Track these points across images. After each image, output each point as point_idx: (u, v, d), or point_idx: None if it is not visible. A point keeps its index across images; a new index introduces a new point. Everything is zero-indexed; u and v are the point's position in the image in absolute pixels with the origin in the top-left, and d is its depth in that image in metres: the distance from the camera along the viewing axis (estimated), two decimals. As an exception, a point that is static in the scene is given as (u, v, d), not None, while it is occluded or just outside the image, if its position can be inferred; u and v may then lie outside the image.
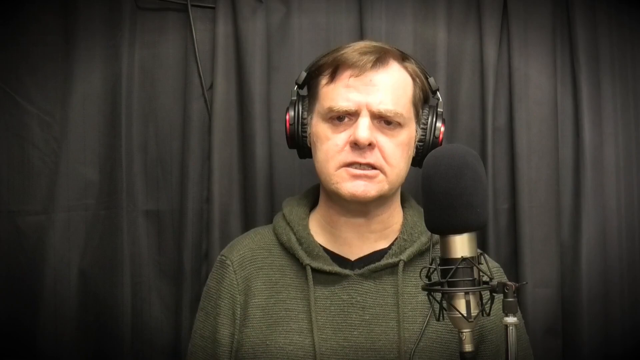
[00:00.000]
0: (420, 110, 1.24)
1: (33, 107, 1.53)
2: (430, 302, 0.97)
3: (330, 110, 1.18)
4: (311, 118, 1.24)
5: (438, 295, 0.97)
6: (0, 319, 1.50)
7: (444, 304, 0.96)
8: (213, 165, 1.54)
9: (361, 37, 1.55)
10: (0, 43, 1.52)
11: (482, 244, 1.53)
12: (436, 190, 0.95)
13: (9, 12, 1.52)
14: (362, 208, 1.21)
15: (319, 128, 1.20)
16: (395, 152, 1.18)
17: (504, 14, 1.57)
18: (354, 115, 1.17)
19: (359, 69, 1.16)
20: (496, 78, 1.57)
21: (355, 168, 1.16)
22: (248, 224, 1.55)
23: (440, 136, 1.25)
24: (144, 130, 1.57)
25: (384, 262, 1.21)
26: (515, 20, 1.56)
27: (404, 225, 1.26)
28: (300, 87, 1.28)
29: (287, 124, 1.25)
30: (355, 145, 1.15)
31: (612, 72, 1.59)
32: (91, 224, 1.55)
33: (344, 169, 1.17)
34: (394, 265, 1.21)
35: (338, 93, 1.17)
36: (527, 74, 1.56)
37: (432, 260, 0.97)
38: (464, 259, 0.93)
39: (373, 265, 1.21)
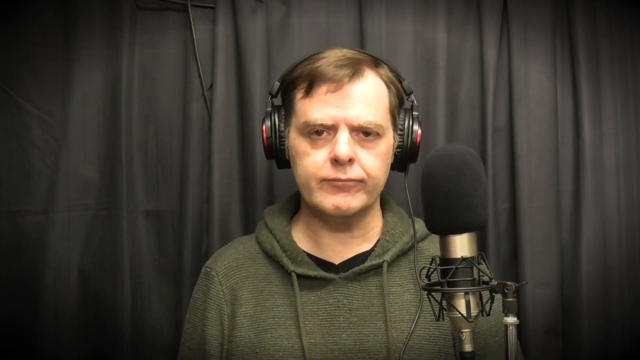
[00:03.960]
0: (397, 117, 1.24)
1: (33, 107, 1.53)
2: (430, 302, 0.97)
3: (307, 124, 1.17)
4: (288, 131, 1.23)
5: (438, 296, 0.97)
6: (0, 319, 1.50)
7: (444, 304, 0.96)
8: (213, 165, 1.54)
9: (361, 37, 1.56)
10: (0, 43, 1.52)
11: (482, 244, 1.53)
12: (436, 191, 0.95)
13: (9, 12, 1.52)
14: (343, 219, 1.22)
15: (297, 143, 1.20)
16: (374, 164, 1.18)
17: (504, 14, 1.57)
18: (331, 129, 1.16)
19: (336, 84, 1.15)
20: (496, 78, 1.57)
21: (336, 181, 1.16)
22: (248, 224, 1.55)
23: (418, 139, 1.24)
24: (144, 130, 1.57)
25: (368, 263, 1.22)
26: (515, 20, 1.56)
27: (384, 226, 1.26)
28: (274, 96, 1.28)
29: (264, 136, 1.25)
30: (336, 162, 1.15)
31: (612, 72, 1.59)
32: (91, 224, 1.55)
33: (325, 182, 1.17)
34: (378, 267, 1.22)
35: (314, 107, 1.17)
36: (527, 74, 1.56)
37: (432, 260, 0.97)
38: (463, 259, 0.94)
39: (357, 268, 1.21)
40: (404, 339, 1.17)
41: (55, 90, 1.54)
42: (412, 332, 1.17)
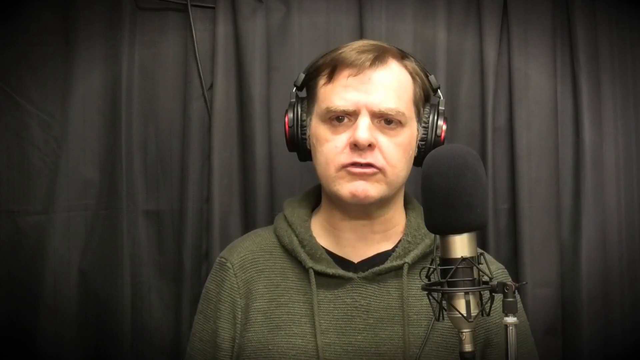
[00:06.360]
0: (422, 109, 1.22)
1: (33, 107, 1.53)
2: (430, 302, 0.97)
3: (328, 110, 1.16)
4: (310, 120, 1.22)
5: (438, 295, 0.97)
6: (0, 319, 1.50)
7: (444, 304, 0.96)
8: (213, 165, 1.54)
9: (361, 37, 1.55)
10: (0, 43, 1.52)
11: (482, 244, 1.53)
12: (436, 190, 0.95)
13: (9, 12, 1.52)
14: (363, 210, 1.20)
15: (318, 130, 1.19)
16: (395, 153, 1.16)
17: (504, 14, 1.57)
18: (352, 115, 1.15)
19: (357, 68, 1.15)
20: (496, 78, 1.57)
21: (354, 167, 1.14)
22: (248, 224, 1.55)
23: (442, 134, 1.23)
24: (144, 130, 1.57)
25: (388, 264, 1.19)
26: (515, 20, 1.56)
27: (407, 226, 1.24)
28: (299, 89, 1.26)
29: (286, 127, 1.24)
30: (355, 147, 1.13)
31: (612, 72, 1.59)
32: (91, 224, 1.55)
33: (344, 169, 1.15)
34: (399, 268, 1.19)
35: (336, 93, 1.16)
36: (527, 74, 1.56)
37: (432, 260, 0.97)
38: (463, 259, 0.93)
39: (377, 268, 1.19)
40: (421, 345, 1.15)
41: (55, 90, 1.54)
42: (428, 338, 1.16)
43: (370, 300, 1.18)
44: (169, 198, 1.58)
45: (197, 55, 1.56)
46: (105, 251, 1.54)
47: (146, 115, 1.57)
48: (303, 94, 1.28)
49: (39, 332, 1.50)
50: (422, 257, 1.21)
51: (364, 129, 1.13)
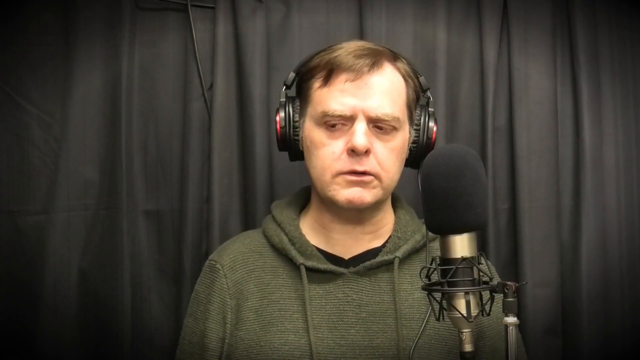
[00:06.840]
0: (413, 111, 1.23)
1: (33, 107, 1.53)
2: (430, 302, 0.97)
3: (325, 115, 1.16)
4: (303, 121, 1.22)
5: (438, 295, 0.97)
6: (0, 319, 1.50)
7: (444, 304, 0.96)
8: (213, 165, 1.54)
9: (361, 37, 1.56)
10: (0, 43, 1.52)
11: (482, 244, 1.53)
12: (436, 190, 0.95)
13: (9, 12, 1.52)
14: (356, 214, 1.21)
15: (313, 133, 1.19)
16: (389, 157, 1.17)
17: (504, 14, 1.57)
18: (349, 120, 1.15)
19: (355, 73, 1.14)
20: (496, 78, 1.57)
21: (352, 175, 1.15)
22: (248, 223, 1.55)
23: (434, 136, 1.24)
24: (144, 130, 1.57)
25: (379, 259, 1.20)
26: (515, 20, 1.57)
27: (396, 224, 1.25)
28: (288, 87, 1.26)
29: (278, 126, 1.24)
30: (352, 152, 1.14)
31: (612, 72, 1.59)
32: (91, 224, 1.55)
33: (341, 176, 1.15)
34: (389, 263, 1.21)
35: (332, 97, 1.15)
36: (527, 74, 1.56)
37: (432, 260, 0.97)
38: (464, 259, 0.94)
39: (368, 263, 1.20)
40: (414, 337, 1.16)
41: (55, 90, 1.54)
42: (422, 331, 1.16)
43: (362, 295, 1.19)
44: (169, 198, 1.58)
45: (197, 55, 1.56)
46: (105, 251, 1.54)
47: (146, 115, 1.57)
48: (291, 92, 1.28)
49: (39, 332, 1.50)
50: (413, 252, 1.23)
51: (361, 134, 1.13)
